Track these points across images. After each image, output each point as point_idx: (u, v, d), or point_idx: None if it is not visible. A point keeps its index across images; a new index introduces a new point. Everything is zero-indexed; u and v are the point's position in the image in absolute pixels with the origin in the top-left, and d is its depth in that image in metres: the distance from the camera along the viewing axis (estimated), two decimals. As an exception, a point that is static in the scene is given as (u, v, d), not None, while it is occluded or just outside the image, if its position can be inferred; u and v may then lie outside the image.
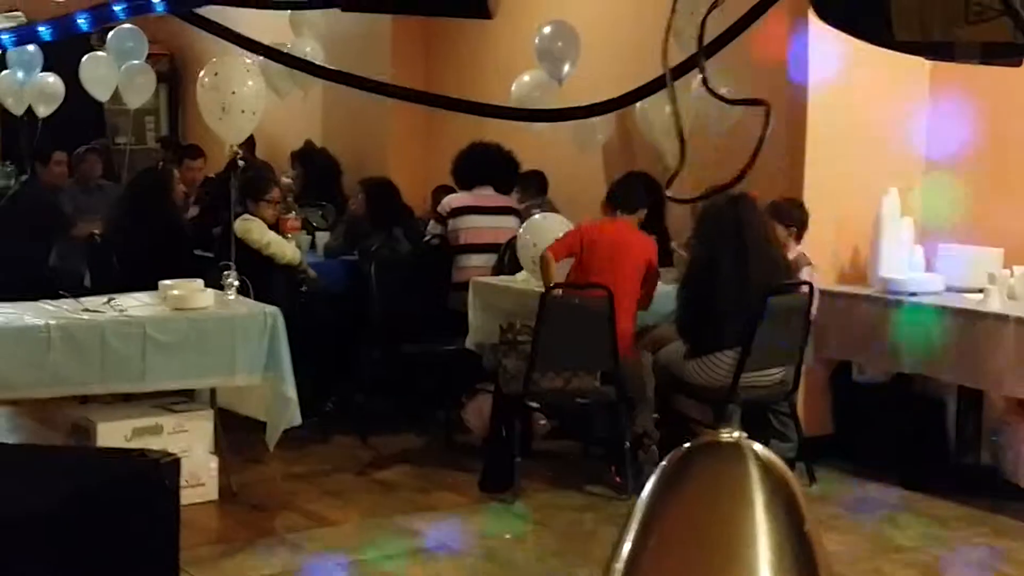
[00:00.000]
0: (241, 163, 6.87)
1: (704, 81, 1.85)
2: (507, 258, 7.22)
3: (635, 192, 6.47)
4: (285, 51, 1.68)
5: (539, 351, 5.92)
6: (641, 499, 1.60)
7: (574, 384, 6.11)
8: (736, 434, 1.59)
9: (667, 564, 1.52)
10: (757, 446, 1.58)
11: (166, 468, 2.10)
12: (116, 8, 1.62)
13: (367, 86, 1.85)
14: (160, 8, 1.66)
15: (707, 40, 1.78)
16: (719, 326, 5.90)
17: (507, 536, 5.53)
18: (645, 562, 1.52)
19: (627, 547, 1.53)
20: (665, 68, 1.69)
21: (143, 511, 2.07)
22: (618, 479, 6.11)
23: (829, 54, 6.37)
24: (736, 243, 5.87)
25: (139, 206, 7.42)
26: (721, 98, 1.95)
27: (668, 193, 1.80)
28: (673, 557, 1.51)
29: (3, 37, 2.40)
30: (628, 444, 6.07)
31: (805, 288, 6.08)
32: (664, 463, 1.62)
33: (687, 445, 1.61)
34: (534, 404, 6.28)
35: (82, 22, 1.88)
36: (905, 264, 6.53)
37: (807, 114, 6.56)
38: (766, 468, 1.55)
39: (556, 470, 6.46)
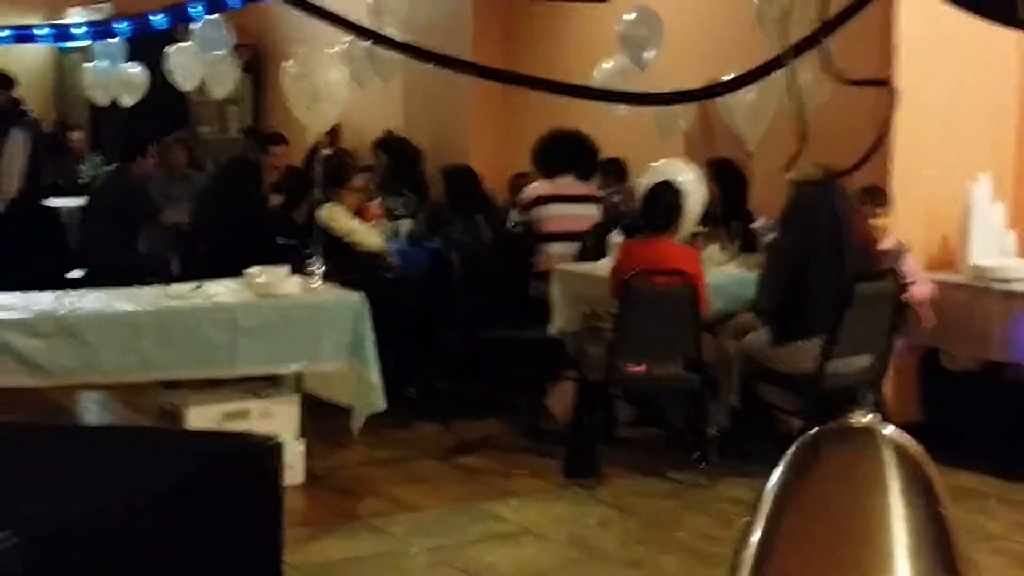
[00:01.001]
0: (324, 151, 6.93)
1: (824, 60, 1.82)
2: (590, 245, 7.21)
3: (665, 209, 6.25)
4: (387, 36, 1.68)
5: (622, 338, 5.90)
6: (769, 487, 1.56)
7: (657, 371, 6.07)
8: (867, 418, 1.55)
9: (799, 552, 1.48)
10: (890, 429, 1.54)
11: (270, 450, 2.11)
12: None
13: (473, 70, 1.84)
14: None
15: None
16: (806, 313, 5.84)
17: (590, 522, 5.53)
18: (776, 551, 1.49)
19: (756, 536, 1.50)
20: (785, 47, 1.66)
21: (247, 493, 2.09)
22: (702, 466, 6.07)
23: (918, 37, 6.27)
24: (827, 229, 5.80)
25: (226, 194, 7.52)
26: (838, 79, 1.91)
27: (788, 174, 1.77)
28: (806, 545, 1.48)
29: (82, 31, 2.43)
30: (712, 431, 6.04)
31: (893, 274, 5.99)
32: (792, 450, 1.58)
33: (815, 431, 1.57)
34: (616, 391, 6.26)
35: (160, 18, 1.90)
36: (996, 250, 6.42)
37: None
38: (900, 452, 1.51)
39: (639, 457, 6.44)
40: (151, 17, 1.58)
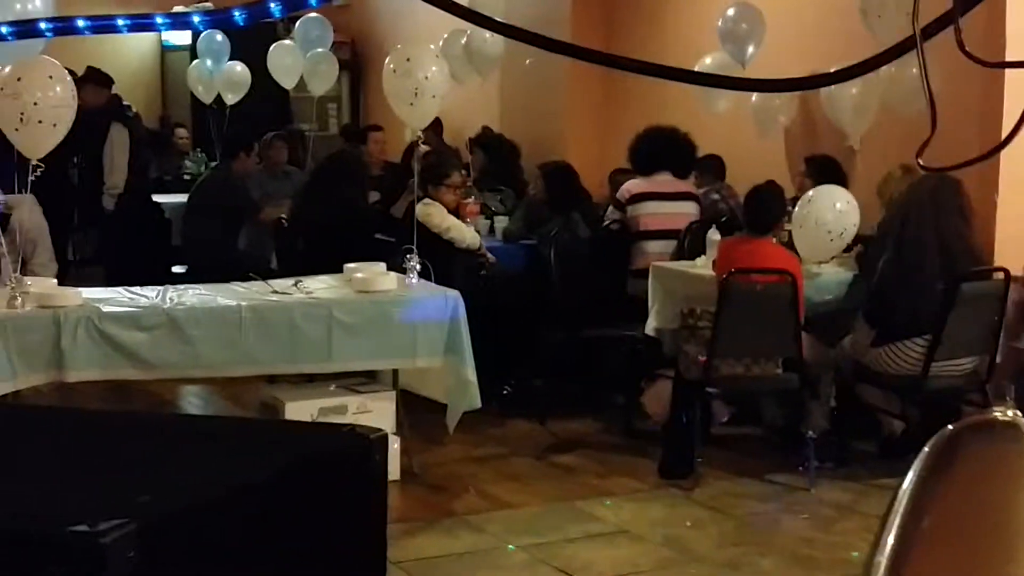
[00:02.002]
0: (423, 148, 6.95)
1: (960, 43, 1.76)
2: (687, 243, 7.15)
3: (768, 210, 6.18)
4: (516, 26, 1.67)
5: (719, 337, 5.84)
6: (904, 487, 1.49)
7: (755, 371, 6.00)
8: (1011, 412, 1.48)
9: (940, 554, 1.41)
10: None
11: (376, 444, 2.12)
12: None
13: (584, 54, 1.83)
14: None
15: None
16: (911, 313, 5.73)
17: (687, 523, 5.48)
18: (915, 554, 1.42)
19: (891, 538, 1.43)
20: (915, 29, 1.62)
21: (353, 486, 2.11)
22: (800, 468, 5.99)
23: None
24: (936, 227, 5.69)
25: (324, 190, 7.59)
26: (980, 61, 1.84)
27: (920, 161, 1.72)
28: (947, 546, 1.40)
29: (196, 19, 2.46)
30: (810, 433, 5.95)
31: (1000, 275, 5.85)
32: (928, 447, 1.51)
33: (953, 426, 1.50)
34: (714, 390, 6.20)
35: (274, 7, 1.91)
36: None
37: (1003, 91, 6.31)
38: (1048, 445, 1.44)
39: (736, 458, 6.37)
40: (232, 13, 1.60)
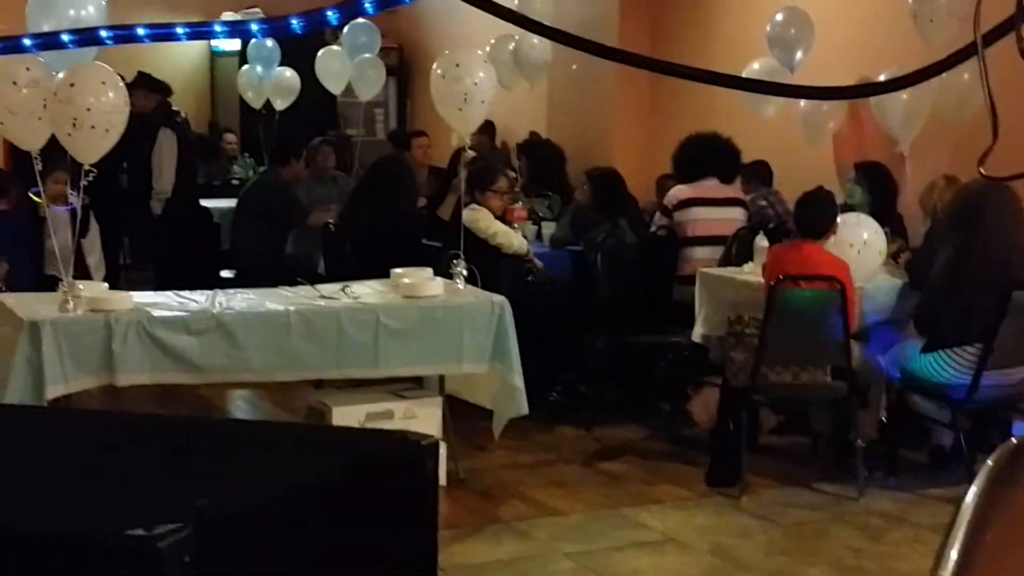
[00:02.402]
0: (469, 153, 6.96)
1: (1022, 51, 1.73)
2: (734, 250, 7.11)
3: (820, 215, 6.13)
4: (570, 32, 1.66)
5: (767, 344, 5.80)
6: (967, 500, 1.46)
7: (803, 378, 5.96)
8: None
9: (1005, 568, 1.38)
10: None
11: (428, 450, 2.13)
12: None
13: (633, 60, 1.82)
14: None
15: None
16: (962, 321, 5.67)
17: (733, 532, 5.45)
18: (979, 568, 1.39)
19: (955, 554, 1.40)
20: (976, 36, 1.60)
21: (405, 492, 2.11)
22: (848, 477, 5.94)
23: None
24: (992, 234, 5.63)
25: (372, 196, 7.61)
26: None
27: (981, 170, 1.69)
28: (1012, 560, 1.38)
29: (254, 27, 2.47)
30: (859, 441, 5.91)
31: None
32: (992, 459, 1.49)
33: (1017, 439, 1.48)
34: (761, 398, 6.16)
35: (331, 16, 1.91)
36: None
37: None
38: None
39: (783, 466, 6.33)
40: (290, 21, 1.61)
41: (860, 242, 6.15)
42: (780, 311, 5.77)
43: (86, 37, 2.15)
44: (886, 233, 6.42)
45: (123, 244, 9.48)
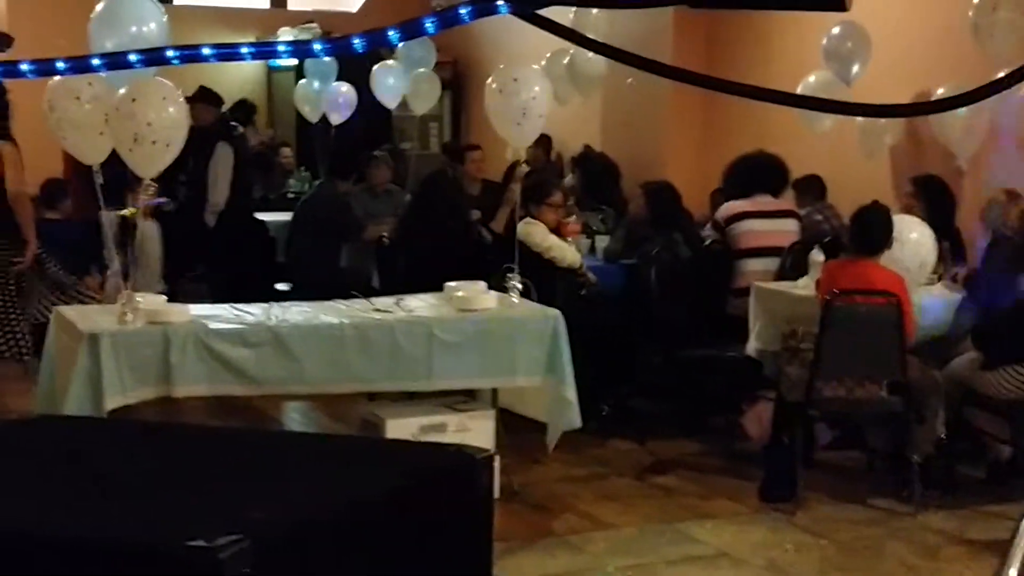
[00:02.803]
0: (524, 167, 6.98)
1: None
2: (789, 263, 7.08)
3: (876, 230, 6.08)
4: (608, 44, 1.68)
5: (822, 359, 5.77)
6: None
7: (859, 393, 5.91)
8: None
9: None
10: None
11: (483, 464, 2.14)
12: (462, 11, 1.66)
13: (689, 77, 1.83)
14: (504, 10, 1.69)
15: None
16: (1022, 336, 5.61)
17: (788, 547, 5.42)
18: None
19: (1013, 572, 1.40)
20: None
21: (461, 506, 2.12)
22: (904, 493, 5.89)
23: None
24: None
25: (426, 209, 7.65)
26: None
27: None
28: None
29: (317, 47, 2.50)
30: (916, 457, 5.85)
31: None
32: None
33: None
34: (816, 413, 6.13)
35: (359, 42, 1.93)
36: None
37: None
38: None
39: (838, 481, 6.28)
40: (352, 41, 1.62)
41: (909, 239, 6.11)
42: (836, 325, 5.74)
43: (152, 56, 2.18)
44: (944, 248, 6.37)
45: (178, 256, 9.58)
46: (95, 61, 2.04)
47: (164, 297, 5.96)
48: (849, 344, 5.79)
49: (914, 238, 6.16)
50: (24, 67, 1.68)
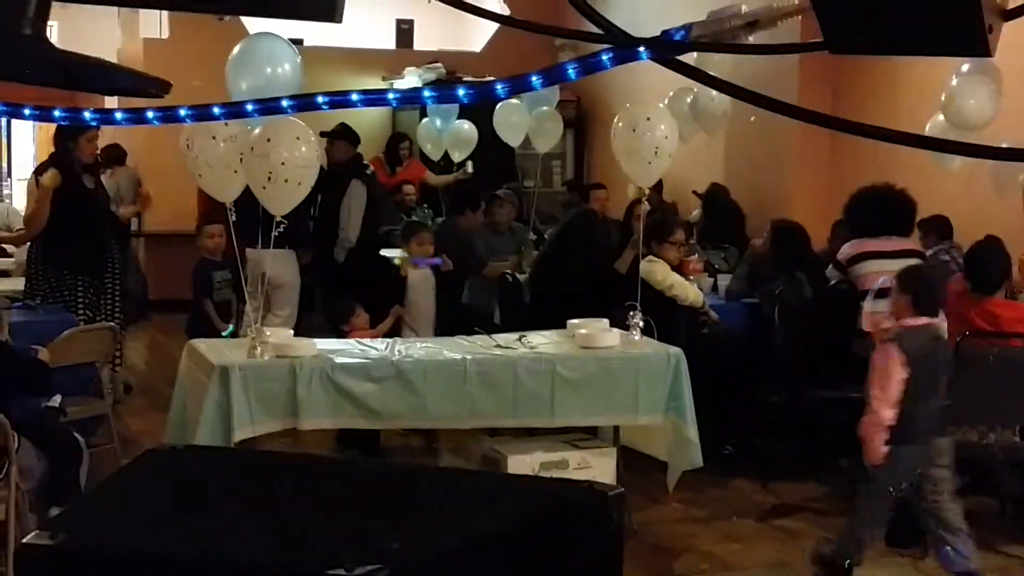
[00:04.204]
0: (646, 205, 6.98)
1: None
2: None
3: (992, 267, 5.92)
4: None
5: (952, 402, 5.65)
6: None
7: (991, 438, 5.78)
8: None
9: None
10: None
11: (614, 501, 2.16)
12: (604, 58, 1.69)
13: (816, 118, 1.83)
14: (643, 56, 1.72)
15: None
16: None
17: (916, 594, 5.31)
18: None
19: None
20: None
21: (591, 542, 2.14)
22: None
23: None
24: None
25: (570, 248, 7.66)
26: None
27: None
28: None
29: (426, 94, 2.56)
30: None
31: None
32: None
33: None
34: (946, 457, 5.99)
35: (501, 88, 1.95)
36: None
37: None
38: None
39: (969, 527, 6.12)
40: (495, 87, 1.66)
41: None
42: (967, 368, 5.62)
43: (304, 103, 2.24)
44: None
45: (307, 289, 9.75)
46: (216, 111, 2.09)
47: (291, 331, 6.08)
48: (981, 387, 5.67)
49: None
50: (183, 112, 1.75)
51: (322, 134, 9.05)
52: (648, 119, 6.07)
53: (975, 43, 1.62)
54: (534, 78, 1.78)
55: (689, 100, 8.72)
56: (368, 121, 13.17)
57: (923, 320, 5.09)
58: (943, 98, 7.53)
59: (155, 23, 12.94)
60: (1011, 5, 1.69)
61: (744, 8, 1.85)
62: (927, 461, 5.04)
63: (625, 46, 1.75)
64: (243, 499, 2.24)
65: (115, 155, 11.72)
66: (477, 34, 13.72)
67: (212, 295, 7.93)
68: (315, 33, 11.66)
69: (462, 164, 11.28)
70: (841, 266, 7.33)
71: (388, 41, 13.85)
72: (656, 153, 6.01)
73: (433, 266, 7.76)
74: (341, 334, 6.71)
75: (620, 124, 6.16)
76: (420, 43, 13.82)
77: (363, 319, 6.98)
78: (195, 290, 8.06)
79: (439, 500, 2.20)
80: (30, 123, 14.98)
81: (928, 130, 7.56)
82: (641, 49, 1.74)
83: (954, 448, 5.74)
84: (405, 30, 13.82)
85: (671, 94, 8.84)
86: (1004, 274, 5.88)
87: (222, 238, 7.94)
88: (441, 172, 11.46)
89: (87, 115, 2.32)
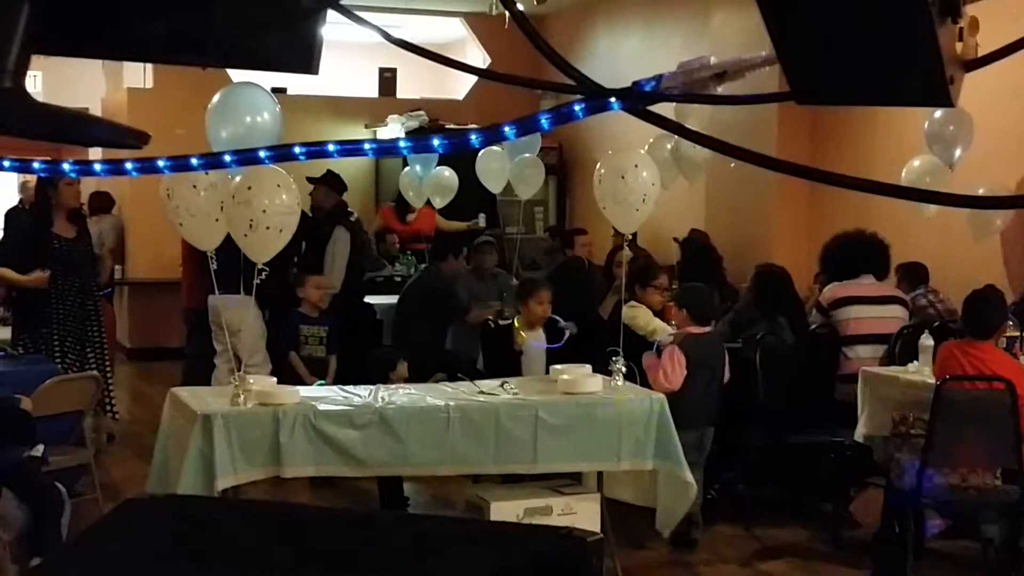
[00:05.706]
0: (627, 251, 7.01)
1: None
2: (898, 349, 6.99)
3: (990, 314, 5.99)
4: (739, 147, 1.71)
5: (934, 445, 5.67)
6: None
7: (972, 481, 5.79)
8: None
9: None
10: None
11: (593, 547, 2.16)
12: (576, 108, 1.72)
13: (789, 168, 1.86)
14: (615, 107, 1.75)
15: None
16: None
17: (900, 639, 5.30)
18: None
19: None
20: None
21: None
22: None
23: None
24: None
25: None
26: None
27: None
28: None
29: (402, 144, 2.59)
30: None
31: None
32: None
33: None
34: (927, 501, 6.00)
35: (476, 138, 1.97)
36: None
37: None
38: None
39: (951, 572, 6.14)
40: (470, 137, 1.69)
41: None
42: (948, 411, 5.65)
43: (281, 153, 2.27)
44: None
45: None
46: (194, 161, 2.11)
47: (274, 379, 6.07)
48: (963, 431, 5.69)
49: None
50: (161, 163, 1.77)
51: (308, 180, 9.09)
52: (636, 166, 6.13)
53: (937, 93, 1.65)
54: (507, 128, 1.81)
55: (670, 147, 8.78)
56: (353, 168, 13.24)
57: (702, 329, 6.58)
58: (919, 144, 7.63)
59: (139, 73, 13.00)
60: (971, 56, 1.73)
61: (713, 60, 1.89)
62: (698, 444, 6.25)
63: (596, 97, 1.78)
64: (223, 549, 2.24)
65: (103, 204, 11.76)
66: (460, 82, 13.82)
67: (298, 348, 7.71)
68: (298, 82, 11.72)
69: (475, 215, 11.36)
70: (824, 309, 7.38)
71: (371, 89, 13.94)
72: (644, 200, 6.07)
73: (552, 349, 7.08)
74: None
75: (603, 171, 6.21)
76: (403, 91, 13.91)
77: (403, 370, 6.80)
78: (278, 342, 7.87)
79: (420, 547, 2.20)
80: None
81: (904, 175, 7.64)
82: (612, 100, 1.78)
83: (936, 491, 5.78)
84: (388, 78, 13.92)
85: (651, 140, 8.90)
86: (1000, 322, 5.92)
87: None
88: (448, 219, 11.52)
89: (66, 167, 2.34)
